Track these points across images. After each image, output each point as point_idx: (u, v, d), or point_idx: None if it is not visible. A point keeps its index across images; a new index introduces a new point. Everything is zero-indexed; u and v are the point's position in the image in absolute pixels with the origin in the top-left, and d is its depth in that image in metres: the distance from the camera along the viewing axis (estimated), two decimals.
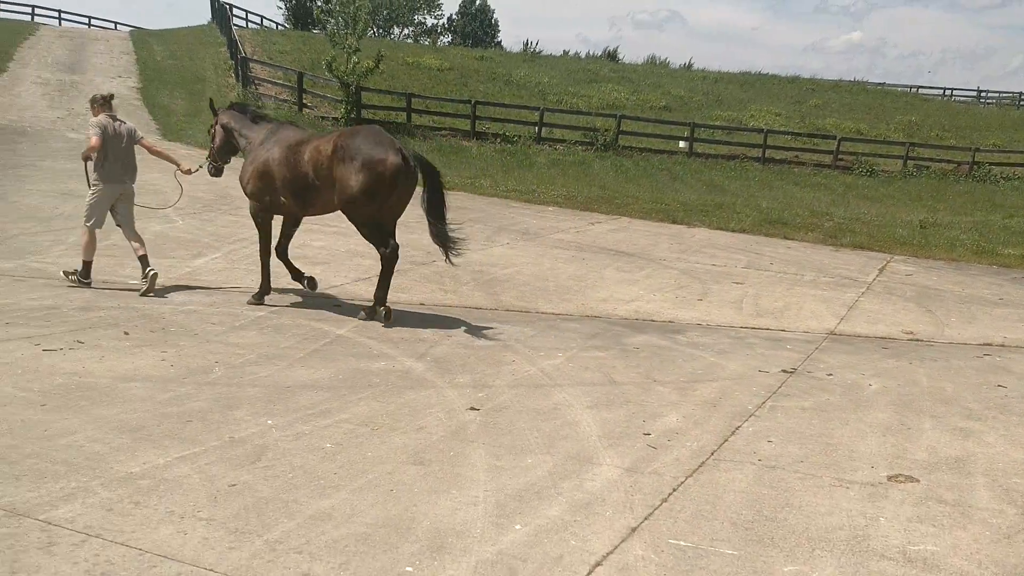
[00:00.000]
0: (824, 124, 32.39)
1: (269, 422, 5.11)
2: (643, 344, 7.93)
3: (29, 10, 45.66)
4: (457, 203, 16.61)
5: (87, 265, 8.61)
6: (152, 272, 8.45)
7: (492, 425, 5.39)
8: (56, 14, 47.44)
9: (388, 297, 8.20)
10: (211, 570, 3.39)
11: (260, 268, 8.59)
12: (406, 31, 71.69)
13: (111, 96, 8.96)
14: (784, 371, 7.27)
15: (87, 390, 5.46)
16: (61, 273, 8.62)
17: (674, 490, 4.62)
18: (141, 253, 8.61)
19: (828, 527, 4.27)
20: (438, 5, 73.21)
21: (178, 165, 9.31)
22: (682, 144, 27.86)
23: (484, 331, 7.97)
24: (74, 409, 5.06)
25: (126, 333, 6.96)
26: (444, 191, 8.19)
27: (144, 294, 8.39)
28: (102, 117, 8.63)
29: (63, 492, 3.90)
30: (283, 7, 49.23)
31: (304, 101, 26.05)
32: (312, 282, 8.97)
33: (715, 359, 7.54)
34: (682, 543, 3.99)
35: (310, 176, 7.87)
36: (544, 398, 6.05)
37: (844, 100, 36.67)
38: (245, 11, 42.97)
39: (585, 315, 9.14)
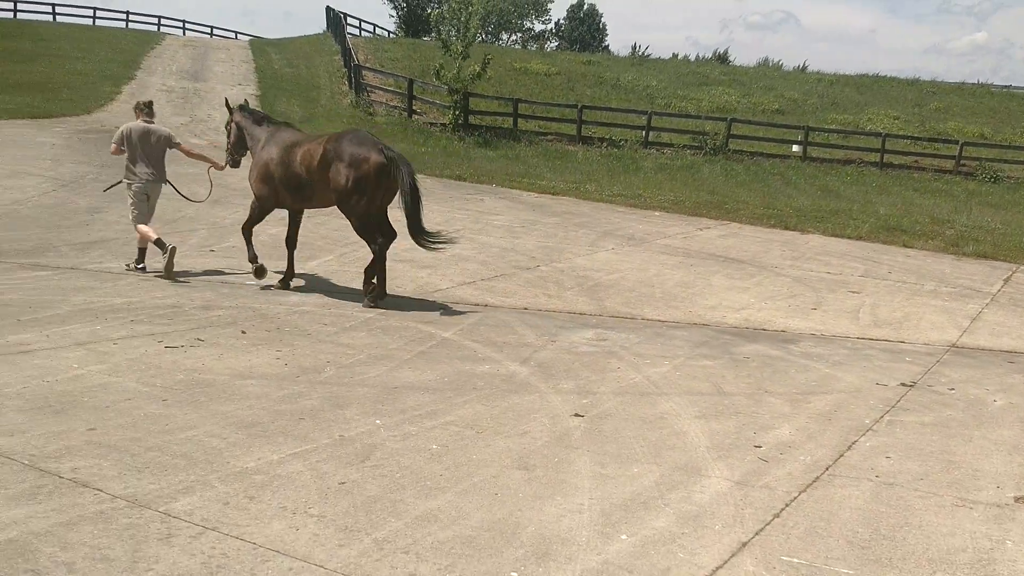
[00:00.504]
0: (945, 128, 30.89)
1: (377, 422, 5.19)
2: (754, 354, 7.72)
3: (156, 21, 48.16)
4: (562, 208, 16.63)
5: (142, 252, 9.51)
6: (172, 247, 9.18)
7: (597, 432, 5.34)
8: (181, 24, 49.90)
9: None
10: (321, 566, 3.46)
11: (245, 244, 9.48)
12: (514, 37, 72.27)
13: (150, 103, 9.85)
14: (903, 384, 6.94)
15: (206, 386, 5.67)
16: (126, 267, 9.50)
17: (787, 505, 4.46)
18: (156, 237, 9.33)
19: (950, 549, 4.04)
20: (546, 10, 73.53)
21: (212, 163, 10.15)
22: (795, 148, 27.07)
23: (588, 337, 7.91)
24: (194, 405, 5.27)
25: (243, 332, 7.20)
26: (418, 187, 8.83)
27: (166, 270, 9.11)
28: (137, 121, 9.55)
29: (182, 485, 4.05)
30: (395, 15, 50.36)
31: (414, 107, 26.55)
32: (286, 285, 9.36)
33: (830, 371, 7.26)
34: (795, 560, 3.84)
35: (303, 176, 8.72)
36: (650, 407, 5.95)
37: (967, 103, 34.90)
38: (359, 20, 44.16)
39: (693, 323, 8.96)
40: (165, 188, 9.86)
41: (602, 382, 6.46)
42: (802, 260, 13.02)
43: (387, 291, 8.95)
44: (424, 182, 17.89)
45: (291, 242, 9.53)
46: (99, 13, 45.48)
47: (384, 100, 27.66)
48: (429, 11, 46.80)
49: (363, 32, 43.53)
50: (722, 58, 48.08)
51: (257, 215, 9.53)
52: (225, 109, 10.20)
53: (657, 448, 5.15)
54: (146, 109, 9.64)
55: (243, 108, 9.90)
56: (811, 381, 6.95)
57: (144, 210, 9.50)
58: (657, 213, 17.21)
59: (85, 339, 6.53)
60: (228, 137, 10.01)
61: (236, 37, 50.16)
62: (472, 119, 26.15)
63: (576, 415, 5.62)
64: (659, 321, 8.94)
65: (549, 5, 75.59)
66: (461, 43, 26.01)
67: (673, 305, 9.65)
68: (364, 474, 4.38)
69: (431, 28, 33.19)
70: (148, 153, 9.43)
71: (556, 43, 70.99)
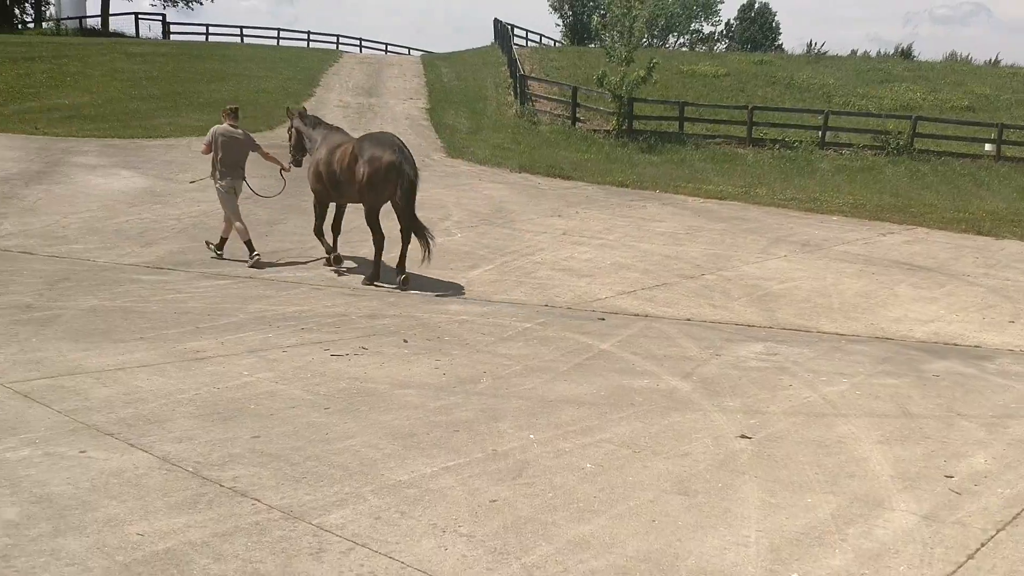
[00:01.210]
0: None
1: (531, 436, 5.05)
2: (944, 371, 7.02)
3: (335, 40, 50.62)
4: (730, 213, 16.01)
5: (248, 243, 10.44)
6: (257, 256, 10.38)
7: (766, 456, 4.96)
8: (357, 42, 52.17)
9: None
10: None
11: (321, 244, 10.64)
12: (682, 40, 70.98)
13: (236, 108, 10.89)
14: None
15: (367, 395, 5.73)
16: (212, 249, 10.74)
17: (982, 545, 3.95)
18: (225, 236, 10.63)
19: None
20: (716, 11, 71.78)
21: (281, 165, 10.94)
22: (988, 147, 24.89)
23: (756, 351, 7.47)
24: (353, 414, 5.32)
25: (405, 341, 7.28)
26: (415, 187, 9.82)
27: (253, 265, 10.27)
28: (218, 127, 10.53)
29: (336, 497, 4.05)
30: (561, 24, 50.61)
31: (577, 115, 26.46)
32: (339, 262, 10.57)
33: None
34: None
35: (339, 173, 9.83)
36: (826, 429, 5.49)
37: None
38: (525, 30, 44.60)
39: (874, 336, 8.30)
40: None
41: (772, 401, 6.04)
42: (997, 268, 11.87)
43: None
44: (585, 190, 17.87)
45: (335, 229, 10.77)
46: (283, 34, 48.33)
47: (548, 109, 27.73)
48: (594, 19, 46.74)
49: (529, 42, 43.96)
50: (905, 53, 45.01)
51: (319, 212, 10.61)
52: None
53: (834, 476, 4.72)
54: (232, 114, 10.64)
55: (301, 115, 10.90)
56: (1009, 403, 6.23)
57: (234, 205, 10.54)
58: (835, 218, 16.25)
59: (257, 346, 6.78)
60: (290, 140, 11.07)
61: (408, 53, 51.96)
62: (636, 124, 25.74)
63: (743, 436, 5.26)
64: (837, 334, 8.34)
65: (719, 6, 73.82)
66: (625, 49, 25.68)
67: (852, 317, 8.99)
68: (516, 492, 4.24)
69: (594, 36, 33.08)
70: (230, 155, 10.43)
71: (726, 44, 69.14)
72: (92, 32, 43.43)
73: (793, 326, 8.65)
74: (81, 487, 3.91)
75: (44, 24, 47.15)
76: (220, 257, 10.64)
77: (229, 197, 10.50)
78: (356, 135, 10.46)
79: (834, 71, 33.57)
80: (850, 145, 25.11)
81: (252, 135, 11.22)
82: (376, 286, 9.68)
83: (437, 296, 9.41)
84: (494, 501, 4.14)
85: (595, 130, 26.03)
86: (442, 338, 7.50)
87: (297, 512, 3.85)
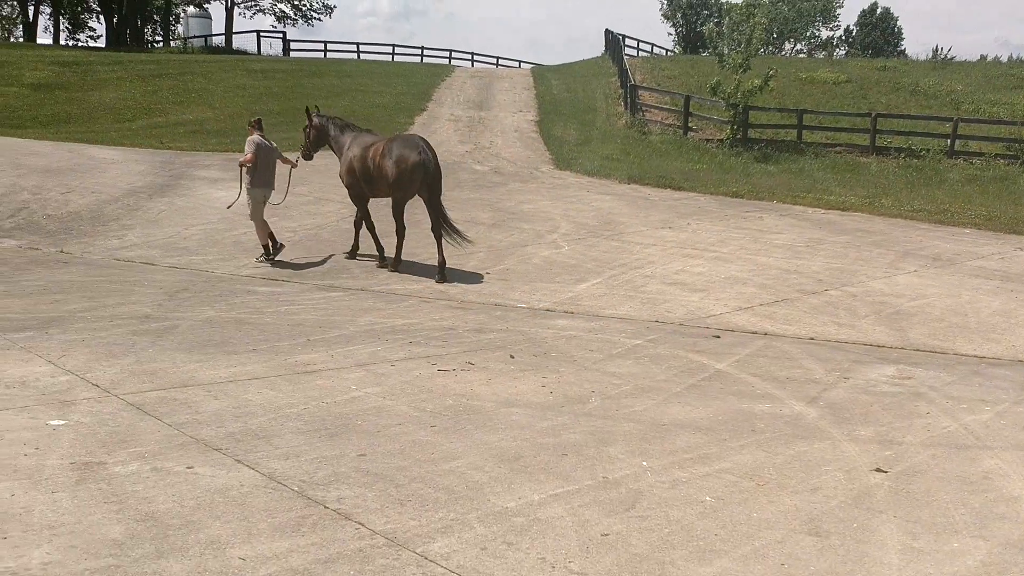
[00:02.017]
0: None
1: (644, 464, 4.77)
2: None
3: (447, 54, 51.37)
4: (853, 225, 15.24)
5: (265, 247, 11.12)
6: (281, 246, 11.17)
7: (904, 493, 4.53)
8: (469, 56, 52.80)
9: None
10: None
11: (372, 240, 11.46)
12: (799, 46, 68.90)
13: (260, 120, 11.63)
14: None
15: (473, 413, 5.57)
16: (255, 260, 11.09)
17: None
18: (268, 240, 11.13)
19: None
20: (834, 17, 69.40)
21: (292, 163, 11.77)
22: None
23: (888, 374, 6.95)
24: (459, 433, 5.17)
25: (512, 356, 7.11)
26: (440, 185, 10.85)
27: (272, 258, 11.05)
28: (256, 136, 11.13)
29: (442, 523, 3.89)
30: (673, 33, 49.89)
31: (689, 124, 25.89)
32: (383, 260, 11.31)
33: None
34: None
35: (371, 169, 10.77)
36: (970, 463, 5.01)
37: None
38: (636, 40, 44.18)
39: (1018, 359, 7.64)
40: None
41: (908, 430, 5.57)
42: None
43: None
44: (697, 200, 17.37)
45: (370, 227, 11.44)
46: (397, 50, 49.40)
47: (659, 119, 27.24)
48: (705, 26, 45.86)
49: (640, 52, 43.51)
50: None
51: (359, 204, 11.43)
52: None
53: (982, 517, 4.26)
54: (259, 125, 11.35)
55: (329, 117, 11.91)
56: None
57: (262, 211, 11.07)
58: (967, 230, 15.26)
59: (366, 360, 6.74)
60: (307, 138, 11.96)
61: (519, 66, 52.22)
62: (752, 133, 24.97)
63: (878, 470, 4.83)
64: (975, 357, 7.72)
65: (838, 11, 71.36)
66: (741, 56, 24.97)
67: (992, 338, 8.32)
68: (629, 525, 3.98)
69: (708, 43, 32.38)
70: (267, 163, 11.09)
71: (845, 50, 66.71)
72: (216, 50, 45.44)
73: (927, 347, 8.05)
74: (186, 505, 3.87)
75: (172, 43, 49.65)
76: (271, 260, 11.08)
77: (260, 205, 11.07)
78: (348, 134, 11.47)
79: (962, 77, 31.83)
80: (981, 154, 23.66)
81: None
82: (477, 302, 9.57)
83: (544, 310, 9.22)
84: (606, 535, 3.89)
85: (708, 139, 25.40)
86: (549, 354, 7.29)
87: (401, 539, 3.70)
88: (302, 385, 5.94)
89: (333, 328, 7.79)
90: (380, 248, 11.37)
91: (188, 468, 4.30)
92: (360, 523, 3.83)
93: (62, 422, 4.86)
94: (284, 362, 6.51)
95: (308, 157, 12.18)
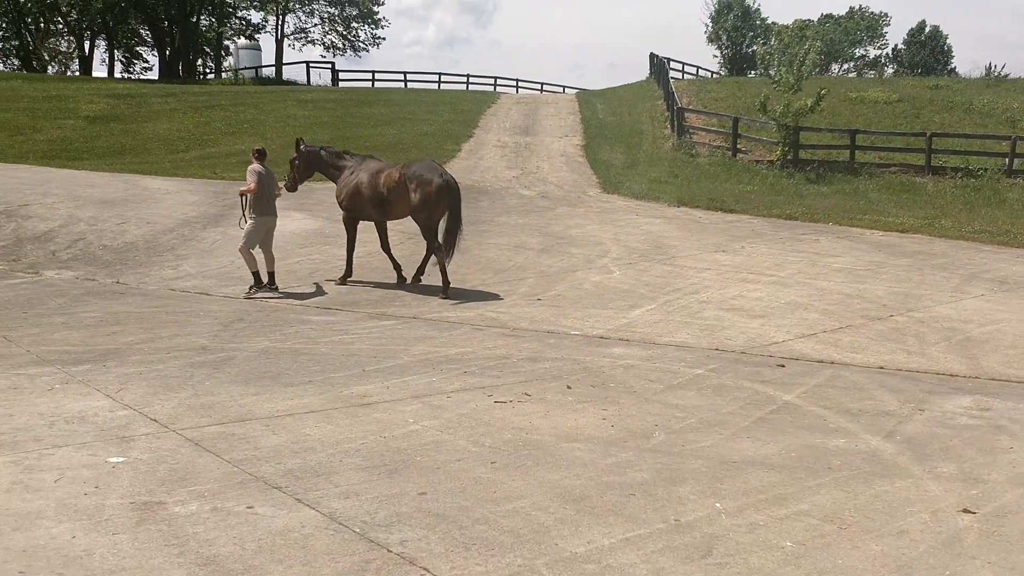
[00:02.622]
0: None
1: (717, 505, 4.56)
2: None
3: (492, 81, 51.70)
4: (913, 247, 14.83)
5: (256, 275, 10.95)
6: (276, 288, 11.10)
7: (996, 536, 4.26)
8: (514, 83, 53.07)
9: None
10: None
11: (346, 257, 11.74)
12: (846, 66, 68.15)
13: (263, 149, 11.75)
14: None
15: (533, 448, 5.41)
16: (244, 295, 10.78)
17: None
18: (271, 269, 11.16)
19: None
20: (882, 35, 68.58)
21: (279, 192, 11.63)
22: None
23: (964, 405, 6.64)
24: (521, 470, 5.01)
25: (569, 387, 6.94)
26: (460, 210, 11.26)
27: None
28: (258, 165, 11.17)
29: (509, 570, 3.73)
30: (719, 55, 49.62)
31: (739, 146, 25.59)
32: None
33: None
34: None
35: (385, 193, 11.17)
36: None
37: None
38: (682, 63, 44.00)
39: None
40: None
41: (993, 467, 5.28)
42: None
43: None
44: (750, 223, 17.07)
45: (351, 248, 11.76)
46: (443, 77, 49.91)
47: (707, 141, 26.99)
48: (754, 48, 45.48)
49: (686, 75, 43.29)
50: None
51: (350, 227, 11.77)
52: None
53: None
54: (262, 156, 11.41)
55: (322, 148, 12.28)
56: None
57: (257, 240, 11.01)
58: None
59: (421, 391, 6.63)
60: (295, 169, 12.12)
61: (563, 91, 52.32)
62: (802, 154, 24.58)
63: (965, 511, 4.56)
64: None
65: (885, 30, 70.54)
66: (793, 77, 24.66)
67: None
68: (707, 574, 3.77)
69: (757, 65, 32.06)
70: (269, 192, 11.16)
71: (893, 69, 65.79)
72: (267, 81, 46.30)
73: (1002, 376, 7.70)
74: (248, 548, 3.76)
75: (223, 74, 50.69)
76: (260, 289, 10.95)
77: (260, 231, 11.04)
78: (347, 161, 11.89)
79: (1017, 94, 31.13)
80: None
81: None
82: (534, 330, 9.42)
83: (598, 337, 9.04)
84: None
85: (757, 161, 25.08)
86: (607, 384, 7.11)
87: None
88: (359, 418, 5.84)
89: (388, 358, 7.71)
90: (349, 270, 11.69)
91: (248, 508, 4.20)
92: (425, 568, 3.68)
93: (121, 459, 4.81)
94: (340, 394, 6.42)
95: (293, 188, 12.31)
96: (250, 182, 10.96)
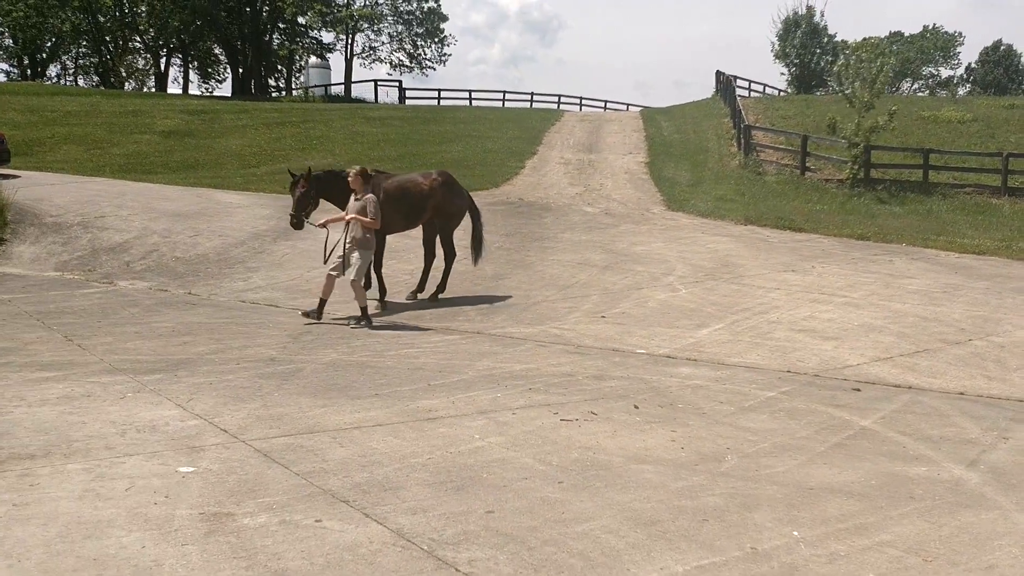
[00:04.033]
0: None
1: (795, 533, 4.39)
2: None
3: (556, 99, 51.82)
4: (991, 270, 14.31)
5: (364, 310, 9.98)
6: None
7: None
8: (578, 101, 53.11)
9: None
10: None
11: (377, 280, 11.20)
12: (917, 85, 66.64)
13: (367, 170, 10.51)
14: None
15: (601, 469, 5.31)
16: (352, 326, 9.94)
17: None
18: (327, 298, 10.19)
19: None
20: (955, 55, 66.95)
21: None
22: None
23: None
24: (589, 490, 4.91)
25: (636, 407, 6.82)
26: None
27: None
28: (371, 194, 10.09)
29: None
30: (787, 73, 48.90)
31: (807, 164, 25.11)
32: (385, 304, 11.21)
33: None
34: None
35: (421, 202, 11.41)
36: None
37: None
38: (748, 81, 43.48)
39: None
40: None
41: None
42: None
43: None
44: (820, 243, 16.70)
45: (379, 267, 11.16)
46: (508, 96, 50.19)
47: (775, 159, 26.56)
48: (823, 64, 44.68)
49: (752, 93, 42.77)
50: None
51: (381, 245, 10.96)
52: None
53: None
54: (367, 178, 10.26)
55: (327, 172, 11.24)
56: None
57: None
58: None
59: (487, 407, 6.58)
60: (303, 200, 10.77)
61: (627, 109, 52.18)
62: (873, 173, 24.01)
63: None
64: None
65: (958, 49, 68.82)
66: (867, 94, 24.14)
67: None
68: None
69: (828, 81, 31.48)
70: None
71: (967, 88, 64.11)
72: (336, 98, 47.17)
73: None
74: (316, 562, 3.74)
75: (294, 92, 51.83)
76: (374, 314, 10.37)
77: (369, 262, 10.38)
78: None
79: None
80: None
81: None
82: (598, 348, 9.31)
83: (664, 356, 8.89)
84: None
85: (827, 180, 24.57)
86: (675, 405, 6.96)
87: None
88: (426, 433, 5.81)
89: (453, 372, 7.69)
90: (383, 289, 11.23)
91: (316, 521, 4.19)
92: None
93: (191, 469, 4.85)
94: (407, 408, 6.41)
95: (299, 225, 10.86)
96: (373, 216, 9.88)
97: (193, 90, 55.24)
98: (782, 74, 50.71)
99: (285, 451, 5.23)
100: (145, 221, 15.38)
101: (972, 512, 4.78)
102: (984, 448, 6.01)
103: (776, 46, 48.70)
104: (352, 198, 10.13)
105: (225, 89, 56.21)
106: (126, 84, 55.17)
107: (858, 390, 7.63)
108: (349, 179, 10.18)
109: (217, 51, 55.35)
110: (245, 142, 28.56)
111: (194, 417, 5.88)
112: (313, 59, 53.20)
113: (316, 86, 48.97)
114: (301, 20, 51.98)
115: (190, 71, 55.50)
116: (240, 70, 50.57)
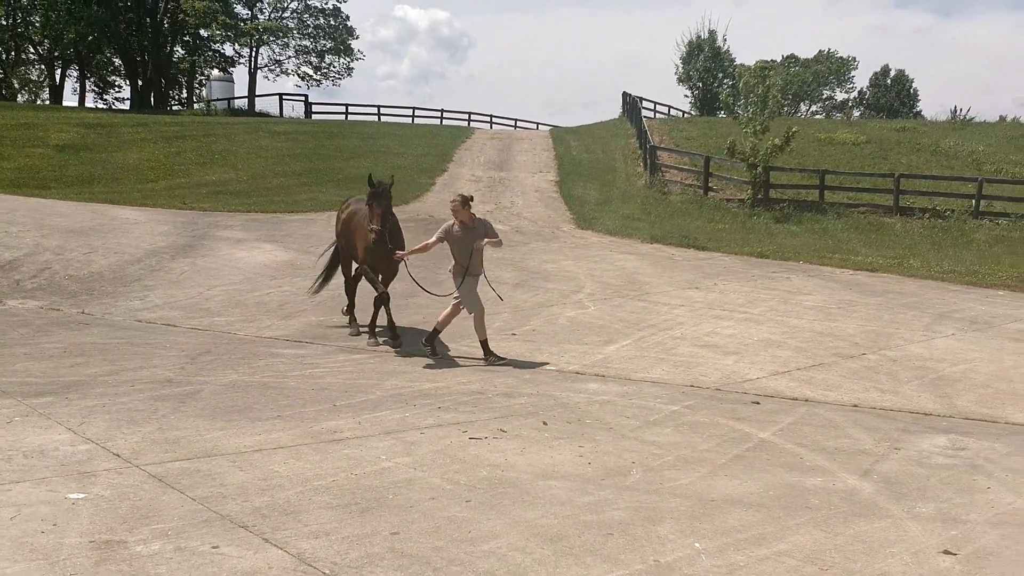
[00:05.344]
0: None
1: (697, 545, 4.46)
2: None
3: (466, 117, 52.02)
4: (883, 286, 14.96)
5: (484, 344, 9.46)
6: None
7: None
8: (488, 118, 53.41)
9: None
10: None
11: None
12: (814, 107, 69.49)
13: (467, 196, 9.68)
14: None
15: (509, 486, 5.30)
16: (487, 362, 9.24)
17: None
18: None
19: None
20: (850, 78, 70.14)
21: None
22: None
23: (940, 444, 6.63)
24: (496, 508, 4.88)
25: (545, 423, 6.84)
26: None
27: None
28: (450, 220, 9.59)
29: None
30: (690, 95, 50.30)
31: (710, 184, 25.86)
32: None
33: None
34: None
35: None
36: None
37: None
38: (654, 103, 44.60)
39: None
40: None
41: (971, 507, 5.23)
42: None
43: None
44: (722, 260, 17.17)
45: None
46: (417, 112, 50.04)
47: (679, 179, 27.26)
48: (721, 91, 46.12)
49: (657, 114, 43.84)
50: None
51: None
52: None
53: None
54: (466, 202, 9.57)
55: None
56: None
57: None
58: (1000, 292, 14.93)
59: (394, 427, 6.49)
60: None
61: (537, 127, 52.74)
62: (773, 193, 24.88)
63: (946, 552, 4.50)
64: None
65: (852, 73, 72.13)
66: (759, 118, 25.04)
67: None
68: None
69: (723, 107, 32.55)
70: (462, 247, 9.59)
71: (860, 111, 67.22)
72: (239, 112, 46.15)
73: (976, 415, 7.72)
74: None
75: (195, 105, 50.50)
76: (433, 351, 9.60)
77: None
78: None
79: (983, 137, 31.83)
80: (1007, 215, 23.43)
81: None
82: (508, 361, 9.32)
83: (573, 373, 8.96)
84: None
85: (728, 199, 25.33)
86: (583, 420, 7.02)
87: None
88: (330, 455, 5.69)
89: (359, 392, 7.56)
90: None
91: (213, 548, 4.04)
92: None
93: (81, 495, 4.62)
94: (310, 429, 6.27)
95: (384, 241, 9.89)
96: (495, 233, 9.57)
97: (90, 103, 53.27)
98: (686, 96, 52.20)
99: (181, 476, 5.04)
100: (37, 238, 14.70)
101: (866, 521, 4.95)
102: (877, 458, 6.24)
103: (680, 69, 50.09)
104: (456, 227, 9.46)
105: (124, 102, 54.39)
106: (19, 96, 52.82)
107: (757, 403, 7.84)
108: (455, 209, 9.45)
109: (116, 63, 53.51)
110: (144, 156, 27.68)
111: (85, 441, 5.62)
112: (215, 72, 51.97)
113: (218, 99, 47.81)
114: (204, 33, 50.79)
115: (87, 83, 53.50)
116: (140, 83, 49.01)
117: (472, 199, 9.63)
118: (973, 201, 23.75)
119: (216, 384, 7.55)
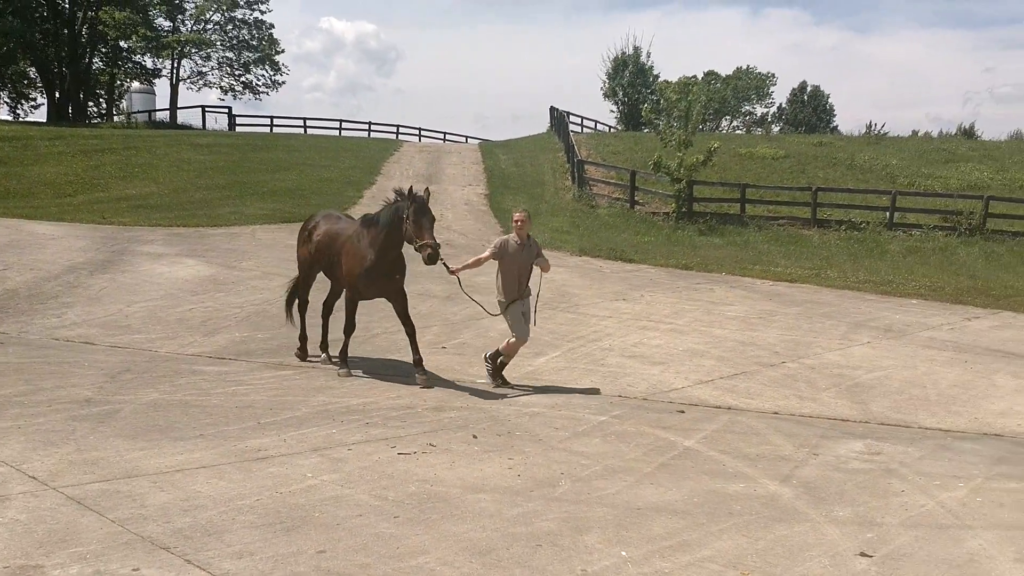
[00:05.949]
0: None
1: (623, 553, 4.53)
2: None
3: (395, 129, 51.82)
4: (802, 296, 15.41)
5: (497, 366, 9.09)
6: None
7: None
8: (417, 132, 53.30)
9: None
10: None
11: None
12: (735, 122, 71.25)
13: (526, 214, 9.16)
14: None
15: (438, 501, 5.29)
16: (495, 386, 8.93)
17: None
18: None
19: None
20: (768, 94, 72.13)
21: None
22: None
23: (856, 449, 6.86)
24: (425, 523, 4.88)
25: (474, 436, 6.86)
26: None
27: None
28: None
29: None
30: (616, 110, 51.08)
31: (636, 198, 26.28)
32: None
33: None
34: None
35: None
36: (954, 544, 4.87)
37: None
38: (581, 117, 45.15)
39: (982, 432, 7.62)
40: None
41: (886, 510, 5.44)
42: None
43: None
44: (648, 272, 17.45)
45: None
46: (344, 125, 49.60)
47: (607, 193, 27.65)
48: (644, 107, 47.04)
49: (585, 129, 44.38)
50: (968, 133, 44.39)
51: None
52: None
53: None
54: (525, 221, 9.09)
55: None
56: None
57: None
58: (913, 301, 15.53)
59: (321, 444, 6.42)
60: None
61: (466, 141, 52.83)
62: (696, 207, 25.43)
63: (863, 554, 4.67)
64: (940, 430, 7.69)
65: (771, 89, 74.19)
66: (683, 133, 25.59)
67: (954, 411, 8.32)
68: None
69: (645, 122, 33.16)
70: (511, 268, 9.21)
71: (779, 127, 69.23)
72: (161, 124, 45.08)
73: (891, 421, 8.01)
74: None
75: (115, 117, 49.13)
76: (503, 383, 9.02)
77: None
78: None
79: (896, 152, 33.09)
80: (919, 226, 24.40)
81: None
82: (442, 379, 9.31)
83: (504, 386, 8.99)
84: None
85: (654, 213, 25.78)
86: (513, 433, 7.05)
87: None
88: (254, 473, 5.60)
89: (285, 409, 7.45)
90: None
91: (134, 570, 3.94)
92: None
93: None
94: (234, 448, 6.15)
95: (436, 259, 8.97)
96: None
97: (2, 115, 51.39)
98: (612, 111, 52.98)
99: (100, 497, 4.90)
100: None
101: (786, 525, 5.09)
102: (797, 464, 6.42)
103: (606, 84, 50.86)
104: (512, 243, 9.03)
105: (40, 114, 52.61)
106: None
107: (683, 412, 8.00)
108: (522, 222, 8.98)
109: (31, 73, 51.73)
110: (61, 170, 26.79)
111: None
112: (136, 84, 50.70)
113: (139, 112, 46.64)
114: (124, 44, 49.51)
115: (0, 95, 51.62)
116: (56, 94, 47.49)
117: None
118: (887, 213, 24.65)
119: (136, 403, 7.36)
